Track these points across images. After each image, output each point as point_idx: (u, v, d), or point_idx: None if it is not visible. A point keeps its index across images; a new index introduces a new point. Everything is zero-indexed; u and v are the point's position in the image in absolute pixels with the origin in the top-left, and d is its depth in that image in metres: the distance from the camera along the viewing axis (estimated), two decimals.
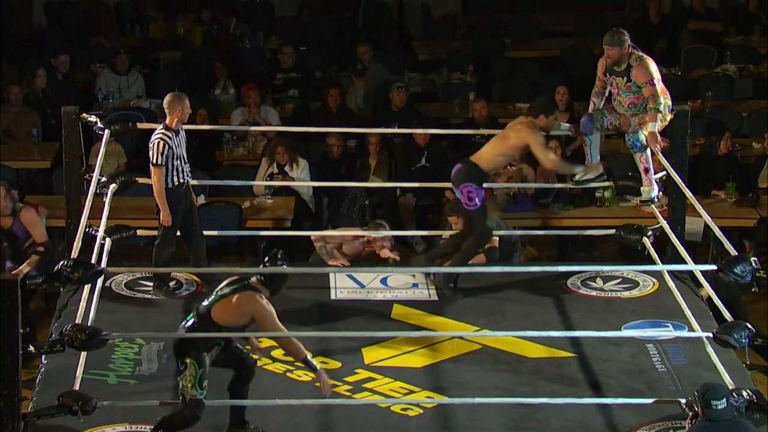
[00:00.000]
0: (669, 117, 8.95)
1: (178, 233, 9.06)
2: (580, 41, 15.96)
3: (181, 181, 8.91)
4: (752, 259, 7.51)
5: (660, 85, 8.84)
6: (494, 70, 15.31)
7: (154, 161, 8.77)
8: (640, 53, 8.92)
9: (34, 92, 13.31)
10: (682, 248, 8.82)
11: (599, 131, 9.21)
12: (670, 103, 8.92)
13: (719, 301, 8.08)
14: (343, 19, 17.16)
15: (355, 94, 13.89)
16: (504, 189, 11.29)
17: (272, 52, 15.40)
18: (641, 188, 9.15)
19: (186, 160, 8.95)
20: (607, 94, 9.12)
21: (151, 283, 9.20)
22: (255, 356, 7.54)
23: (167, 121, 8.83)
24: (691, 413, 7.00)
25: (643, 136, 8.81)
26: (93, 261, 8.12)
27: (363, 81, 13.97)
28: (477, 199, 8.90)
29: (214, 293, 7.26)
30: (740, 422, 6.86)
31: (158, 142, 8.75)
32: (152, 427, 7.14)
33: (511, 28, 16.87)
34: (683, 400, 7.28)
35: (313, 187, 11.79)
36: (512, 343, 8.39)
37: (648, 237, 9.34)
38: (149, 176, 8.89)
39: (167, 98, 8.87)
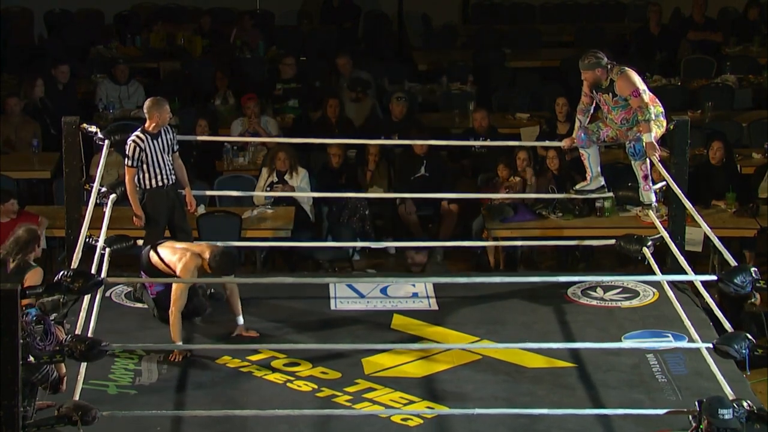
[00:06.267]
0: (664, 123, 8.94)
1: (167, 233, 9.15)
2: (581, 52, 15.86)
3: (160, 184, 9.03)
4: (752, 269, 7.50)
5: (647, 95, 8.82)
6: (494, 80, 15.29)
7: (126, 162, 8.99)
8: (621, 66, 8.90)
9: (33, 102, 13.30)
10: (682, 258, 8.82)
11: (596, 144, 9.21)
12: (661, 109, 8.90)
13: (720, 311, 8.08)
14: (343, 29, 17.16)
15: (365, 103, 13.83)
16: (504, 199, 11.28)
17: (272, 62, 15.40)
18: (640, 193, 9.15)
19: (166, 163, 9.02)
20: (593, 111, 9.14)
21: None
22: None
23: (146, 125, 9.00)
24: (694, 424, 6.98)
25: (643, 144, 8.82)
26: (93, 271, 8.12)
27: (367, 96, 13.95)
28: None
29: None
30: None
31: (131, 144, 8.95)
32: None
33: (512, 38, 16.87)
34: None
35: (313, 197, 11.79)
36: (512, 353, 8.37)
37: (648, 247, 9.33)
38: None
39: (147, 103, 9.04)
